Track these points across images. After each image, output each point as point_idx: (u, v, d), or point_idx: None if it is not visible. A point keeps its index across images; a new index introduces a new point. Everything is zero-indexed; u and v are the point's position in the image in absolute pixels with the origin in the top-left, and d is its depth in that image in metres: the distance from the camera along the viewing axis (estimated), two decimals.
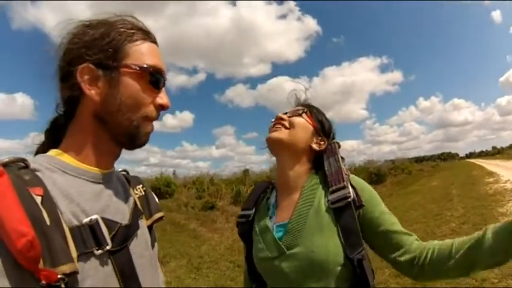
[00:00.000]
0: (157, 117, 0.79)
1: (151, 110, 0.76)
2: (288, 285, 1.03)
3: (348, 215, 1.02)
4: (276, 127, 1.17)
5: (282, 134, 1.15)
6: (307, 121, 1.19)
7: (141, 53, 0.75)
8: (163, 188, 14.85)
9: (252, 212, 1.21)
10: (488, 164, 37.38)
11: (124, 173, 0.93)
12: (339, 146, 1.18)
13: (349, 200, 1.02)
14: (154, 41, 0.80)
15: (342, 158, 1.14)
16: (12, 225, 0.51)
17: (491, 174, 21.71)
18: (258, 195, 1.25)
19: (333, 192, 1.06)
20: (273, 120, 1.22)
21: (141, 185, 0.93)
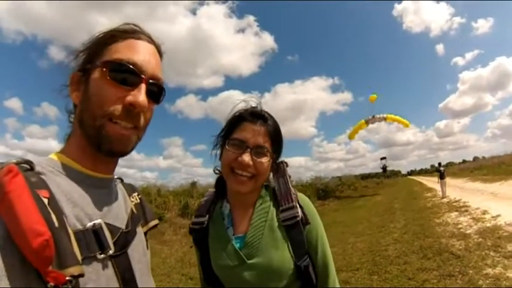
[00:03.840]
0: (126, 118, 0.70)
1: (115, 108, 0.69)
2: None
3: (296, 231, 1.13)
4: (241, 179, 1.10)
5: (248, 186, 1.11)
6: (269, 158, 1.13)
7: (116, 50, 0.71)
8: None
9: (205, 219, 1.21)
10: (427, 181, 40.35)
11: (119, 180, 0.91)
12: (287, 165, 1.25)
13: (298, 219, 1.13)
14: (139, 38, 0.75)
15: (289, 176, 1.23)
16: (29, 225, 0.50)
17: (429, 189, 23.38)
18: (209, 204, 1.26)
19: (284, 211, 1.15)
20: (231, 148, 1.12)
21: (136, 193, 0.93)
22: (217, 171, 1.24)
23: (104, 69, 0.69)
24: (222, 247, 1.15)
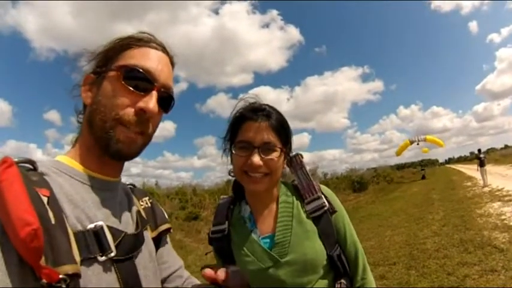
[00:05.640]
0: (135, 123, 0.71)
1: (126, 112, 0.70)
2: None
3: (325, 221, 1.14)
4: (255, 179, 1.07)
5: (264, 184, 1.09)
6: (279, 152, 1.09)
7: (130, 56, 0.74)
8: None
9: (225, 226, 1.18)
10: (467, 169, 38.41)
11: (131, 186, 0.94)
12: (302, 157, 1.22)
13: (325, 208, 1.14)
14: (154, 47, 0.78)
15: (307, 168, 1.22)
16: (18, 214, 0.50)
17: (469, 178, 22.34)
18: (226, 210, 1.22)
19: (309, 202, 1.16)
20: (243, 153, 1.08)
21: (147, 197, 0.94)
22: (232, 174, 1.18)
23: (118, 73, 0.71)
24: (250, 251, 1.12)
